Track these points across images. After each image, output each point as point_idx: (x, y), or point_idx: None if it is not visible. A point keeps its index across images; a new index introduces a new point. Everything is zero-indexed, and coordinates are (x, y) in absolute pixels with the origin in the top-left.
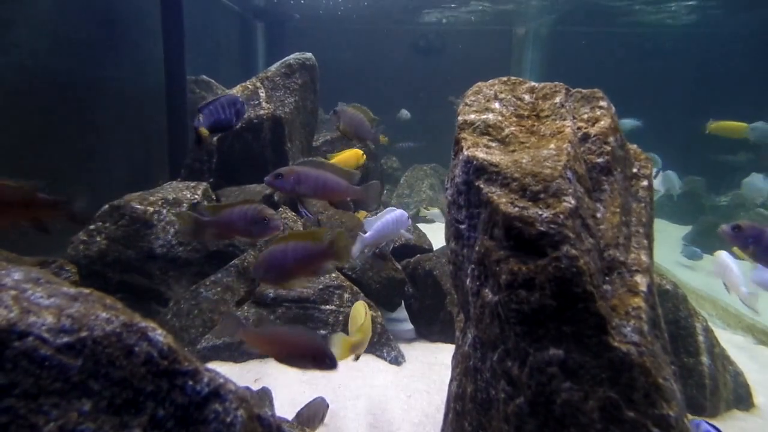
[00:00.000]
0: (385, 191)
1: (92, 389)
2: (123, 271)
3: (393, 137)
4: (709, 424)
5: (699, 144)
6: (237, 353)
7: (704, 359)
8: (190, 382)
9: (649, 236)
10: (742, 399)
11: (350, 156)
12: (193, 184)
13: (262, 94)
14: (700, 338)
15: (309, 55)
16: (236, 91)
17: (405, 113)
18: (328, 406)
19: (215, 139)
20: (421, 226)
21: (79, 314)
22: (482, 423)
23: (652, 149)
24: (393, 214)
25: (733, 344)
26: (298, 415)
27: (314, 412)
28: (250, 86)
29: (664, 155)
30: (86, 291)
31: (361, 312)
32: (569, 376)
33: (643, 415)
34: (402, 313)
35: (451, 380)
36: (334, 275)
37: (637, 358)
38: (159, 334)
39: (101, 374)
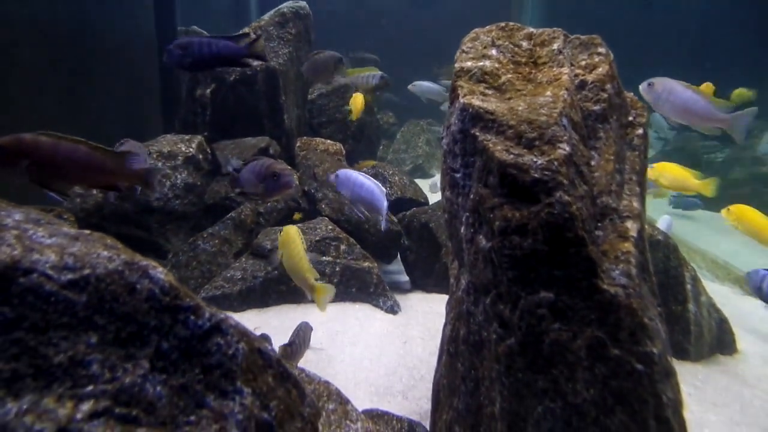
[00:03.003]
0: (381, 146)
1: (98, 323)
2: (120, 224)
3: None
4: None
5: None
6: (236, 303)
7: (690, 307)
8: (192, 317)
9: (642, 184)
10: (727, 345)
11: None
12: (187, 137)
13: None
14: (688, 287)
15: (303, 3)
16: None
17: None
18: (312, 328)
19: (208, 91)
20: (418, 181)
21: (81, 253)
22: (474, 363)
23: None
24: (369, 184)
25: (721, 294)
26: (291, 344)
27: (303, 339)
28: None
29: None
30: (86, 232)
31: (295, 239)
32: (558, 317)
33: (627, 353)
34: (398, 264)
35: (445, 324)
36: (330, 227)
37: (624, 300)
38: (160, 272)
39: (106, 309)
